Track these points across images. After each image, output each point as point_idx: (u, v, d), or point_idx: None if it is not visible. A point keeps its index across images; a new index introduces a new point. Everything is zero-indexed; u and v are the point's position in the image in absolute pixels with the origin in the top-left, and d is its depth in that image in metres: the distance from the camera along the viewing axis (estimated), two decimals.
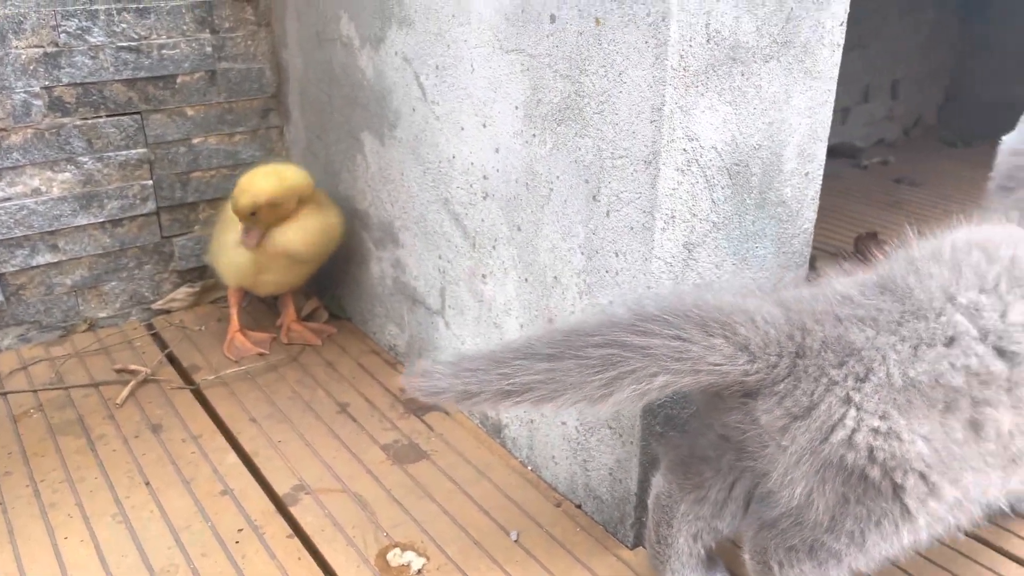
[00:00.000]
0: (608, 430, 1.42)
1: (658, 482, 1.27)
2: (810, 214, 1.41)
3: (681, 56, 1.14)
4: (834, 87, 1.35)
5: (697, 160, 1.22)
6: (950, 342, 1.05)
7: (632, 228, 1.25)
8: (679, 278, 1.27)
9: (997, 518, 1.45)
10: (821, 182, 1.40)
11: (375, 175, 1.92)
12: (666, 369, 1.03)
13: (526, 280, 1.51)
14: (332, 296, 2.25)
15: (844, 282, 1.13)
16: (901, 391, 1.03)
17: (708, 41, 1.16)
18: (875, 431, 1.02)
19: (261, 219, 1.84)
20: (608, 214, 1.29)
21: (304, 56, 2.10)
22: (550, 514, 1.49)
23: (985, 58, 4.09)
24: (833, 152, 3.82)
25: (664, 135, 1.17)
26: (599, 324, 1.07)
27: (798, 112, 1.31)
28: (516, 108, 1.43)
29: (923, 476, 1.05)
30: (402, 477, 1.60)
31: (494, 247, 1.57)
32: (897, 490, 1.05)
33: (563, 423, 1.51)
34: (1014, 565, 1.38)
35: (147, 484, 1.57)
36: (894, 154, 3.82)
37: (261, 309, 2.27)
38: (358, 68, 1.87)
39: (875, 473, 1.04)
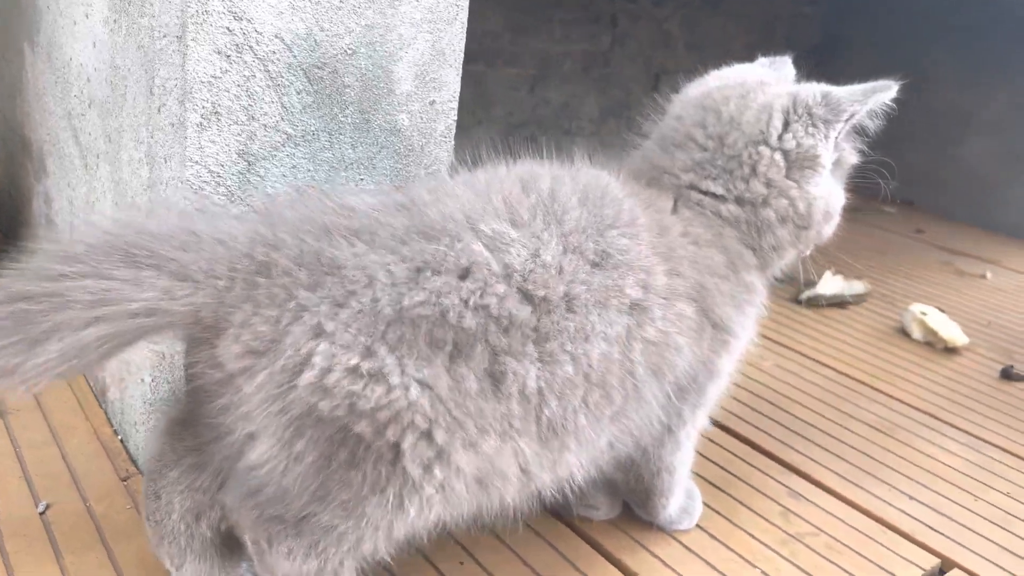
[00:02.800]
0: (167, 385, 1.16)
1: (150, 444, 1.01)
2: (441, 154, 1.21)
3: None
4: (467, 4, 1.16)
5: (252, 47, 1.00)
6: (464, 274, 0.85)
7: (173, 124, 1.02)
8: (236, 196, 1.05)
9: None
10: (456, 118, 1.21)
11: (31, 92, 1.66)
12: (95, 319, 0.78)
13: (116, 205, 1.26)
14: (5, 245, 1.95)
15: (365, 197, 0.92)
16: (393, 323, 0.82)
17: None
18: (353, 372, 0.80)
19: None
20: (159, 109, 1.06)
21: None
22: (106, 488, 1.22)
23: None
24: None
25: (192, 2, 0.95)
26: (9, 276, 0.81)
27: (411, 23, 1.11)
28: None
29: (427, 435, 0.83)
30: None
31: (97, 166, 1.32)
32: (395, 451, 0.83)
33: (142, 380, 1.25)
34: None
35: None
36: None
37: None
38: None
39: (363, 428, 0.82)
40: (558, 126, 3.23)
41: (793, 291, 2.38)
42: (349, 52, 1.07)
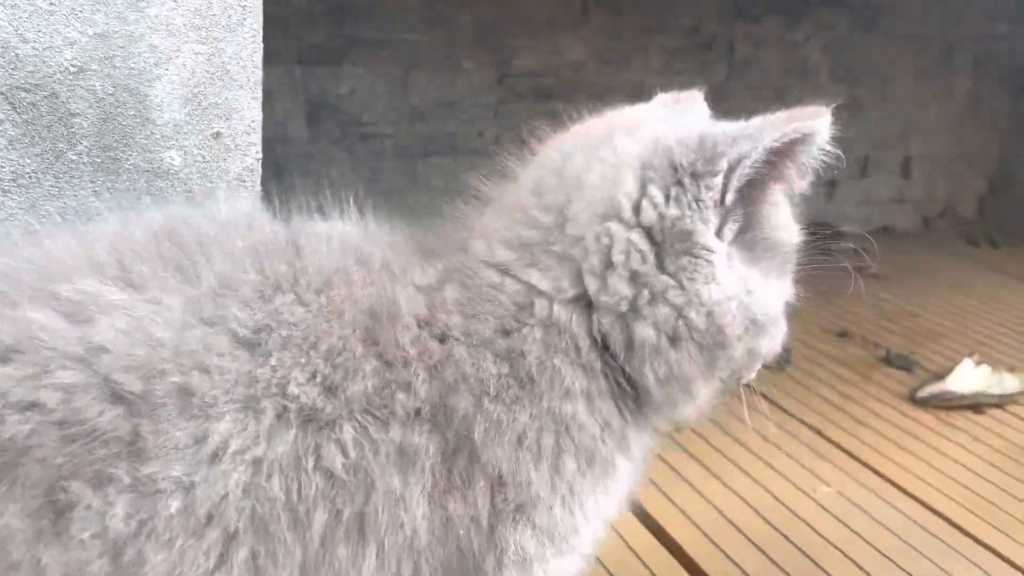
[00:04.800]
0: None
1: None
2: (239, 200, 0.92)
3: None
4: (259, 5, 0.87)
5: None
6: (5, 356, 0.60)
7: None
8: None
9: None
10: (260, 155, 0.91)
11: None
12: None
13: None
14: None
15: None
16: None
17: None
18: None
19: None
20: None
21: None
22: None
23: None
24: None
25: None
26: None
27: (169, 31, 0.84)
28: None
29: None
30: None
31: None
32: None
33: None
34: None
35: None
36: (893, 243, 3.05)
37: None
38: None
39: None
40: None
41: (910, 383, 1.79)
42: (73, 70, 0.82)
